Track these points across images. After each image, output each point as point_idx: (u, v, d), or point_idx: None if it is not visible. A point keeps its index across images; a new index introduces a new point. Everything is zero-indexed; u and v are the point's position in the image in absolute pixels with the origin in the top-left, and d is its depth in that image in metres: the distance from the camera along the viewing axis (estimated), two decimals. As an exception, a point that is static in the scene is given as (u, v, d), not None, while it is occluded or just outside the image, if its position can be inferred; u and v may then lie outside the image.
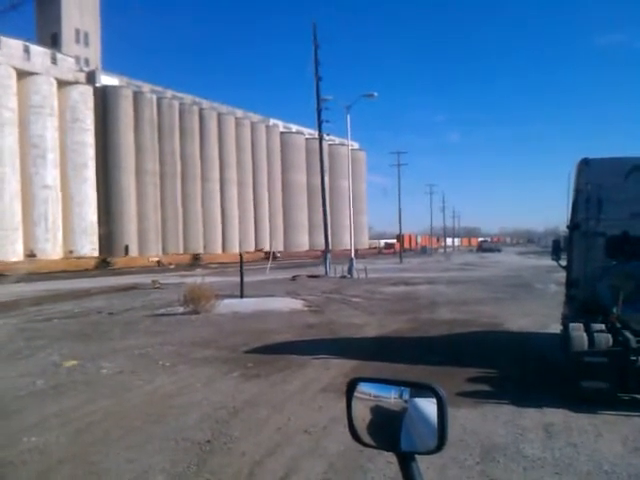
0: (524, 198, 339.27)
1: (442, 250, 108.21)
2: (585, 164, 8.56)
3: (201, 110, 73.64)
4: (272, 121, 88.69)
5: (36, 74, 55.02)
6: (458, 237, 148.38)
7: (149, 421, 6.77)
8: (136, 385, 8.58)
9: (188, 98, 74.01)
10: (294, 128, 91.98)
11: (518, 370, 9.01)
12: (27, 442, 5.97)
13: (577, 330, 7.35)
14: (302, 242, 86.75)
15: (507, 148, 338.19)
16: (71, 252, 55.17)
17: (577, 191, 8.69)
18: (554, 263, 9.77)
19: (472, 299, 20.21)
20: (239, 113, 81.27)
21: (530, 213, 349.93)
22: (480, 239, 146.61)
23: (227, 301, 18.76)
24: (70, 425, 6.65)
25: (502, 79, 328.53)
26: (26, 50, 55.36)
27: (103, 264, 50.79)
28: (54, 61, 57.85)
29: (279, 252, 67.48)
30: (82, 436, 6.29)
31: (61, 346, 11.97)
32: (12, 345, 12.29)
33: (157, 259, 56.90)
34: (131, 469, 5.29)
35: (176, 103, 70.36)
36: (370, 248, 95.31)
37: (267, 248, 69.45)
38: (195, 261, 58.46)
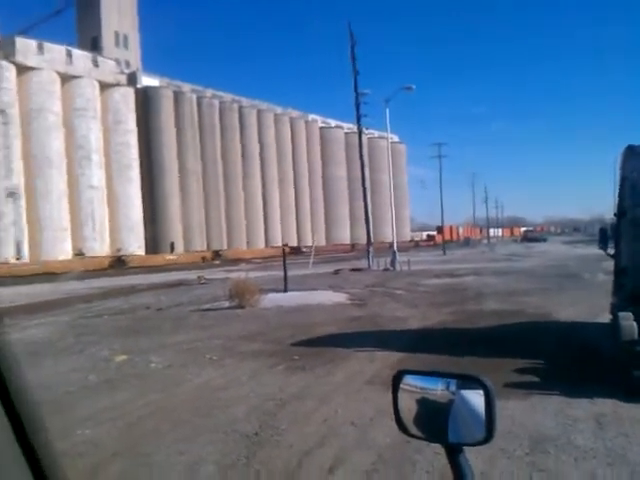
0: (569, 186, 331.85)
1: (485, 241, 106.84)
2: (630, 151, 8.38)
3: (241, 108, 74.10)
4: (311, 116, 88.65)
5: (79, 77, 56.14)
6: (501, 227, 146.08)
7: (198, 414, 6.89)
8: (185, 379, 8.73)
9: (228, 96, 74.50)
10: (333, 123, 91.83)
11: (567, 360, 8.86)
12: (81, 435, 6.13)
13: (627, 319, 7.20)
14: (344, 236, 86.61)
15: (551, 137, 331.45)
16: (119, 250, 56.22)
17: (623, 178, 8.51)
18: (601, 252, 9.59)
19: (518, 290, 19.94)
20: (278, 110, 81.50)
21: (575, 201, 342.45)
22: (523, 229, 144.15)
23: (271, 295, 18.91)
24: (122, 418, 6.82)
25: (545, 68, 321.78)
26: (68, 54, 56.50)
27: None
28: (95, 64, 58.91)
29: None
30: (133, 429, 6.44)
31: (111, 341, 12.25)
32: (64, 341, 12.64)
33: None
34: (182, 461, 5.40)
35: (216, 102, 70.92)
36: (409, 241, 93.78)
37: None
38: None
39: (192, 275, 31.26)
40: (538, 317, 13.65)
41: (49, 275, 37.31)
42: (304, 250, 62.13)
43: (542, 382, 7.72)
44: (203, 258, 57.00)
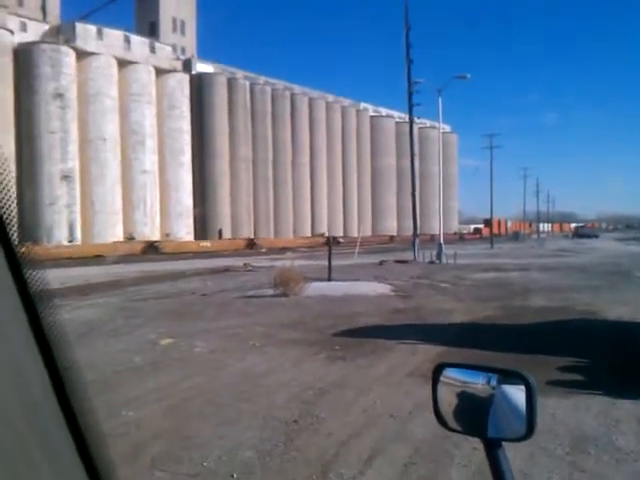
0: (623, 182, 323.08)
1: (535, 236, 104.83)
2: None
3: (293, 95, 74.40)
4: (362, 105, 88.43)
5: (135, 63, 57.19)
6: (551, 222, 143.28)
7: (239, 399, 6.97)
8: (227, 364, 8.84)
9: (280, 84, 74.88)
10: (384, 112, 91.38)
11: (613, 360, 8.65)
12: (125, 416, 6.26)
13: None
14: (391, 227, 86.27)
15: (606, 129, 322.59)
16: (167, 235, 57.25)
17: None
18: None
19: (567, 286, 19.54)
20: (330, 98, 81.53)
21: (629, 197, 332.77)
22: (573, 224, 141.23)
23: (315, 284, 18.95)
24: (165, 401, 6.95)
25: (600, 58, 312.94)
26: (126, 40, 57.62)
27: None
28: (152, 50, 59.93)
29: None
30: (176, 411, 6.56)
31: (157, 325, 12.48)
32: (112, 323, 12.93)
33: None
34: (222, 445, 5.48)
35: (268, 89, 71.34)
36: (453, 233, 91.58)
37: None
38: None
39: (227, 262, 31.54)
40: (586, 315, 13.35)
41: (97, 258, 38.10)
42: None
43: (586, 381, 7.57)
44: (248, 245, 57.02)
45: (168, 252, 47.32)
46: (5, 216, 0.75)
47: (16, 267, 0.75)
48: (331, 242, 23.86)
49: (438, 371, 1.80)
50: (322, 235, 67.64)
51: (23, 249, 0.78)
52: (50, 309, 0.81)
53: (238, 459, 5.18)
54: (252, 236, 64.52)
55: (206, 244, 54.73)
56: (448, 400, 1.76)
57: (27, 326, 0.76)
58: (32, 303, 0.77)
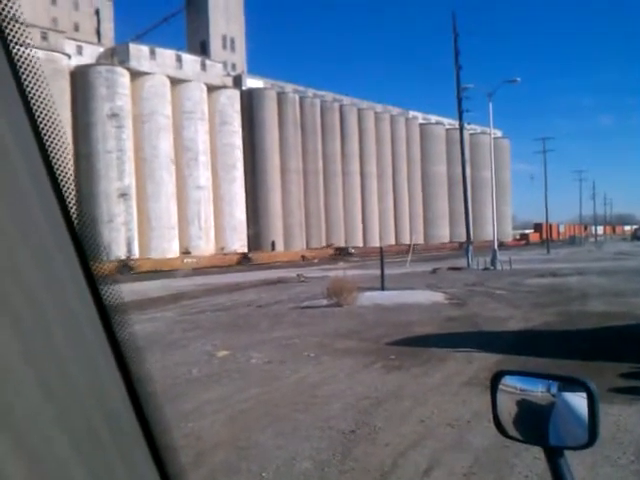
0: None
1: (592, 239, 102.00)
2: None
3: (341, 107, 74.60)
4: (411, 113, 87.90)
5: (187, 81, 58.35)
6: (608, 225, 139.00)
7: (296, 410, 7.01)
8: (283, 375, 8.90)
9: (329, 96, 75.21)
10: (433, 119, 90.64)
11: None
12: (184, 427, 6.35)
13: None
14: (443, 234, 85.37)
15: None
16: (222, 249, 58.00)
17: None
18: None
19: (627, 290, 18.97)
20: (379, 108, 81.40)
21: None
22: (627, 227, 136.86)
23: (368, 294, 18.91)
24: (223, 412, 7.04)
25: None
26: (178, 59, 58.88)
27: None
28: (203, 68, 61.07)
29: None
30: (234, 422, 6.63)
31: (214, 337, 12.66)
32: (170, 336, 13.17)
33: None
34: (279, 455, 5.52)
35: (317, 101, 71.73)
36: (486, 241, 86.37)
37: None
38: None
39: (280, 274, 31.69)
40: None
41: (152, 273, 38.89)
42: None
43: None
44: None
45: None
46: (81, 233, 0.80)
47: (92, 282, 0.80)
48: (382, 252, 23.67)
49: (497, 379, 1.78)
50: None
51: (98, 264, 0.82)
52: (124, 321, 0.84)
53: (296, 470, 5.21)
54: (304, 246, 64.77)
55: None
56: (508, 408, 1.75)
57: (104, 338, 0.81)
58: (108, 316, 0.81)
